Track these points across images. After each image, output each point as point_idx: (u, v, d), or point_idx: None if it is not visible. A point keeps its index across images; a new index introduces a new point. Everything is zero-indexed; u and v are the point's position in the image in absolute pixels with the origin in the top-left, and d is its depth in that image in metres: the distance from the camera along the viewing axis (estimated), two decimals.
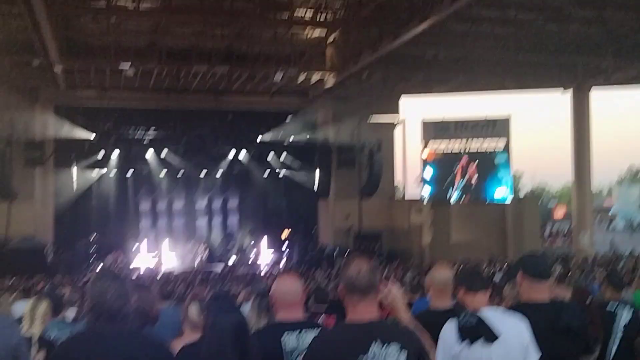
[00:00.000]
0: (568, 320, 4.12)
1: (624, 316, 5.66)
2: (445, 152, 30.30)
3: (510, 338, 3.81)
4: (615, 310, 5.70)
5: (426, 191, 31.23)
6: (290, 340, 3.85)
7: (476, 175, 29.75)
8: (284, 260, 28.89)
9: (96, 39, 22.63)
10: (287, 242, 30.26)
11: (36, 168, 26.79)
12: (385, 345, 3.13)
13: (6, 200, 25.48)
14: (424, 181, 31.33)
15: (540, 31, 23.04)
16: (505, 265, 19.22)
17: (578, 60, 26.31)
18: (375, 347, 3.12)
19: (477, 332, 3.78)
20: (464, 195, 30.15)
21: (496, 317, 3.89)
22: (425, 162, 30.88)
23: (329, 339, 3.31)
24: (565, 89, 29.75)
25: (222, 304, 3.55)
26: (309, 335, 3.78)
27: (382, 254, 28.01)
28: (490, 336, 3.77)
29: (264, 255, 29.10)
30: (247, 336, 3.29)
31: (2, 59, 23.42)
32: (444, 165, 30.26)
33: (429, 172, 30.78)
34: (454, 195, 30.15)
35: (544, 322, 4.05)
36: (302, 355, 3.51)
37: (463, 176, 29.95)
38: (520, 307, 4.21)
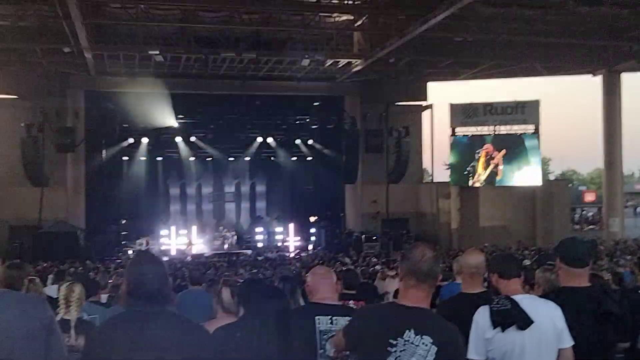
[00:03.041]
0: (608, 306, 4.10)
1: None
2: (470, 135, 30.00)
3: (544, 324, 3.81)
4: None
5: (451, 175, 31.05)
6: (323, 321, 3.94)
7: (502, 159, 29.45)
8: (312, 244, 28.99)
9: (125, 25, 22.76)
10: (314, 226, 30.35)
11: (68, 154, 27.07)
12: (418, 336, 3.16)
13: (39, 185, 25.89)
14: (449, 165, 31.14)
15: (571, 14, 22.70)
16: (535, 250, 19.13)
17: (608, 43, 25.93)
18: (408, 335, 3.16)
19: (510, 317, 3.79)
20: (490, 180, 29.87)
21: (530, 303, 3.89)
22: (451, 146, 30.67)
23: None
24: (595, 72, 29.37)
25: (263, 288, 3.60)
26: (342, 321, 3.86)
27: (410, 239, 27.99)
28: (524, 322, 3.77)
29: (292, 240, 29.21)
30: (289, 322, 3.35)
31: (34, 46, 23.70)
32: (468, 149, 29.99)
33: (453, 156, 30.57)
34: (478, 179, 29.89)
35: (584, 307, 4.04)
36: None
37: (488, 160, 29.67)
38: (559, 293, 4.21)
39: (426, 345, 3.14)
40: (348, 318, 3.94)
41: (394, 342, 3.16)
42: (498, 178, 29.55)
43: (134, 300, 3.26)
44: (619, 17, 23.36)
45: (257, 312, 3.37)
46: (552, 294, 4.28)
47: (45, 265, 18.34)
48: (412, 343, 3.15)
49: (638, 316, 5.31)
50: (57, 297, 5.96)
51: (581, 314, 3.99)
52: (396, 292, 7.78)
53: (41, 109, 26.02)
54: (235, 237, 29.17)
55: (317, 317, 3.95)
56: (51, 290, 9.18)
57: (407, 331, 3.16)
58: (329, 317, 3.97)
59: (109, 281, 9.76)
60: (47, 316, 3.32)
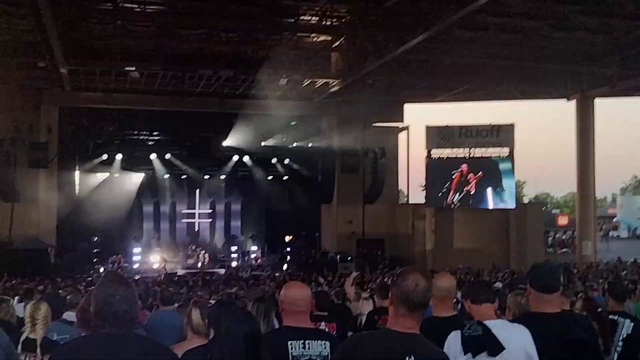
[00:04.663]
0: (577, 333, 4.10)
1: (625, 328, 5.60)
2: (445, 157, 30.21)
3: (515, 350, 3.79)
4: (617, 321, 5.65)
5: (426, 196, 31.22)
6: (296, 346, 3.91)
7: (475, 182, 29.66)
8: (286, 264, 28.90)
9: (102, 41, 22.65)
10: (289, 246, 30.28)
11: (40, 170, 26.78)
12: None
13: (10, 201, 25.56)
14: (425, 186, 31.32)
15: (546, 39, 23.04)
16: (507, 273, 19.18)
17: (583, 68, 26.30)
18: None
19: (482, 343, 3.77)
20: (464, 201, 30.03)
21: (501, 328, 3.88)
22: (426, 168, 30.85)
23: (366, 341, 3.33)
24: (569, 97, 29.74)
25: (233, 311, 3.55)
26: (315, 345, 3.83)
27: (385, 260, 28.00)
28: (495, 348, 3.75)
29: (266, 259, 29.12)
30: (260, 346, 3.31)
31: (8, 60, 23.49)
32: (443, 171, 30.19)
33: (429, 178, 30.77)
34: (452, 200, 30.05)
35: (554, 333, 4.03)
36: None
37: (463, 183, 29.87)
38: (529, 319, 4.20)
39: None
40: (321, 342, 3.95)
41: None
42: (471, 200, 29.75)
43: (101, 321, 3.21)
44: (593, 43, 23.76)
45: (227, 335, 3.32)
46: (521, 319, 4.27)
47: (14, 282, 18.05)
48: None
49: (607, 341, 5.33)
50: (24, 316, 5.87)
51: (549, 341, 3.97)
52: (370, 313, 7.73)
53: (14, 124, 25.74)
54: (207, 256, 29.01)
55: (289, 342, 3.91)
56: (18, 308, 9.01)
57: (407, 357, 3.14)
58: (302, 341, 3.94)
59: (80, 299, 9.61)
60: (4, 341, 3.30)
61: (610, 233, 56.22)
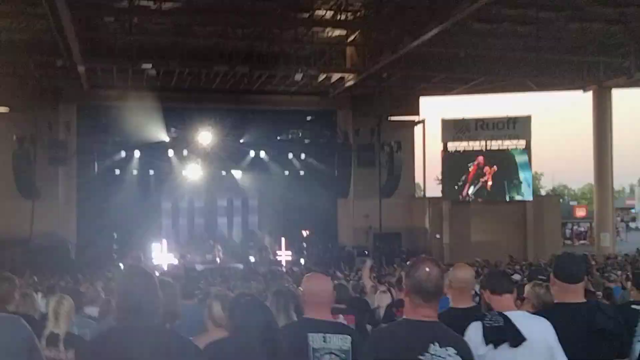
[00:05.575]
0: (603, 322, 4.11)
1: None
2: (461, 150, 30.16)
3: (536, 341, 3.81)
4: None
5: (442, 189, 31.19)
6: (316, 339, 3.93)
7: (492, 174, 29.58)
8: (303, 259, 28.91)
9: (119, 39, 22.75)
10: (306, 241, 30.29)
11: (59, 167, 27.01)
12: (443, 348, 3.19)
13: (30, 198, 25.78)
14: (441, 180, 31.28)
15: (562, 30, 22.91)
16: (526, 265, 19.13)
17: (599, 59, 26.11)
18: (434, 348, 3.19)
19: (503, 334, 3.79)
20: (480, 194, 29.96)
21: (522, 319, 3.90)
22: (442, 161, 30.80)
23: (390, 334, 3.36)
24: (586, 88, 29.53)
25: (250, 303, 3.60)
26: (335, 339, 3.89)
27: (402, 254, 27.97)
28: (516, 339, 3.77)
29: (284, 254, 29.14)
30: (276, 336, 3.35)
31: (26, 59, 23.70)
32: (459, 164, 30.13)
33: (445, 171, 30.72)
34: (467, 192, 30.00)
35: (579, 323, 4.05)
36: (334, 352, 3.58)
37: (479, 175, 29.79)
38: (554, 309, 4.22)
39: (452, 356, 3.20)
40: (342, 336, 3.98)
41: (422, 358, 3.18)
42: (488, 192, 29.68)
43: (124, 314, 3.26)
44: (609, 33, 23.57)
45: (245, 327, 3.37)
46: (547, 309, 4.28)
47: (35, 278, 18.23)
48: (439, 356, 3.18)
49: (630, 331, 5.30)
50: (47, 312, 5.95)
51: (575, 330, 3.98)
52: (388, 306, 7.77)
53: (33, 122, 25.97)
54: (225, 251, 29.07)
55: (309, 334, 3.94)
56: (41, 304, 9.12)
57: (431, 345, 3.19)
58: (322, 334, 3.96)
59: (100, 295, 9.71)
60: (27, 334, 3.36)
61: (629, 224, 55.83)
